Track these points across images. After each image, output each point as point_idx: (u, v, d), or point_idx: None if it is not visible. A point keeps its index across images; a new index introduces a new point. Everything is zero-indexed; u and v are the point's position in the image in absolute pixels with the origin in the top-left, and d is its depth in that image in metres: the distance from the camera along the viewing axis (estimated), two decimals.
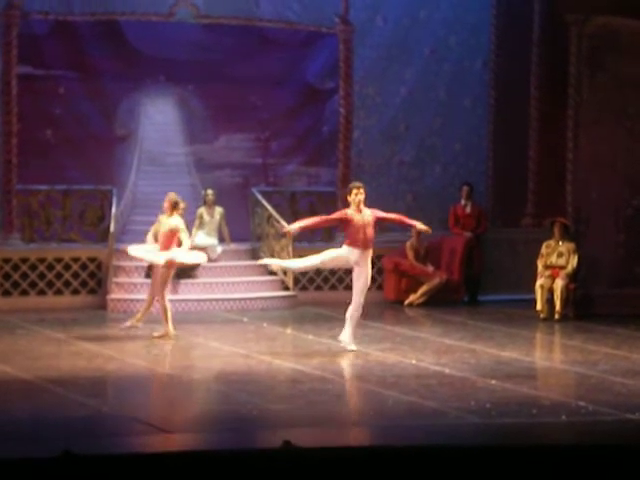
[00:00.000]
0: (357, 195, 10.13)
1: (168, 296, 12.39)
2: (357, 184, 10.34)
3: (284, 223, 13.48)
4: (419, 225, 10.43)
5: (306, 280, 14.14)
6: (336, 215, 10.40)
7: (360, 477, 6.18)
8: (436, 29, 14.56)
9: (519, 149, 14.48)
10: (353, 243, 10.07)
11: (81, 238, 13.77)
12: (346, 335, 10.10)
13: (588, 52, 13.03)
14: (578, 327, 11.80)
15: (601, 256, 12.89)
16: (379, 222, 10.41)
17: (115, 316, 12.61)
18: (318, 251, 14.29)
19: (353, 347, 10.03)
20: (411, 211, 14.63)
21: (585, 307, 12.52)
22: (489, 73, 14.64)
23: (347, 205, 14.53)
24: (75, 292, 13.43)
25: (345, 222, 10.15)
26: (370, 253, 10.16)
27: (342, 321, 11.70)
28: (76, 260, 13.51)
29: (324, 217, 10.65)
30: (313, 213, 14.17)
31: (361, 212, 10.13)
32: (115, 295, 13.11)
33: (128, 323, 11.23)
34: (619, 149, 12.92)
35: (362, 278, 10.06)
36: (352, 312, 10.13)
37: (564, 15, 13.19)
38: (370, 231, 10.09)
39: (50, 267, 13.42)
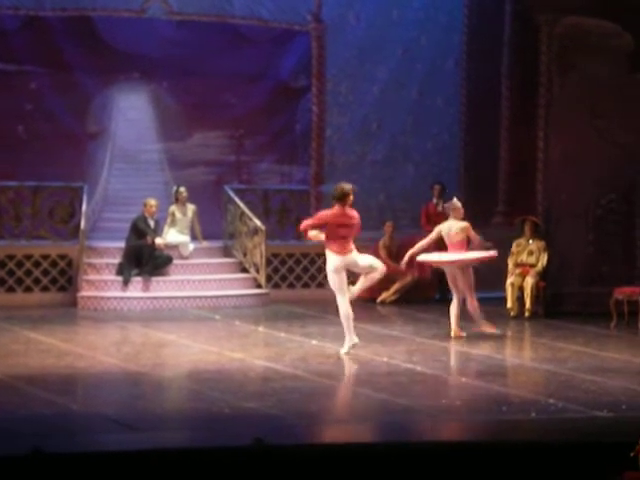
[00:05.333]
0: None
1: (139, 294, 12.34)
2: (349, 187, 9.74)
3: (257, 221, 13.44)
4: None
5: (279, 278, 14.11)
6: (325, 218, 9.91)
7: (332, 474, 6.16)
8: (408, 28, 14.58)
9: (490, 148, 14.53)
10: (338, 250, 9.69)
11: (51, 235, 13.67)
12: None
13: (558, 52, 13.08)
14: (548, 325, 11.85)
15: (571, 255, 12.95)
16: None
17: (85, 314, 12.53)
18: (290, 250, 14.36)
19: (355, 340, 9.88)
20: (383, 210, 14.67)
21: (555, 305, 12.57)
22: (461, 73, 14.68)
23: (319, 201, 14.44)
24: (45, 289, 13.32)
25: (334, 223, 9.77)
26: (354, 251, 9.79)
27: (314, 318, 11.67)
28: (46, 257, 13.40)
29: (320, 222, 10.05)
30: (285, 211, 14.17)
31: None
32: (85, 293, 13.02)
33: (483, 329, 10.92)
34: (589, 149, 12.98)
35: (362, 266, 9.83)
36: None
37: (534, 15, 13.24)
38: (354, 232, 9.86)
39: (19, 264, 13.30)
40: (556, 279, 12.77)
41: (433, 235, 10.97)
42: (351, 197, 9.66)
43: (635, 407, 7.77)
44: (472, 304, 10.86)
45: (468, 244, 10.97)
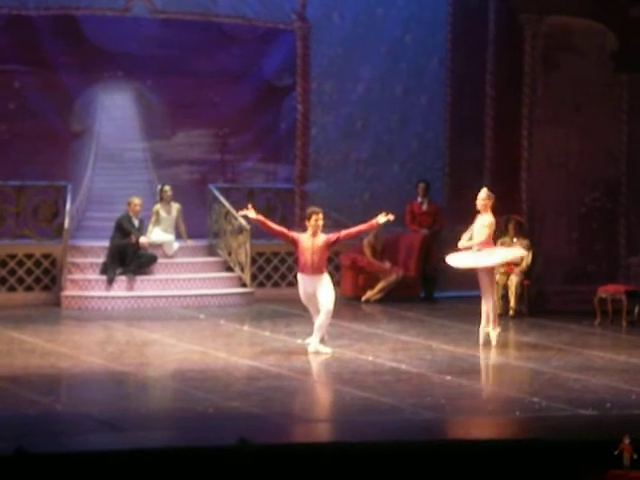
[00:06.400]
0: (317, 221, 9.85)
1: (123, 293, 12.29)
2: (316, 209, 10.00)
3: (242, 219, 13.42)
4: (381, 219, 10.10)
5: (263, 277, 14.10)
6: (290, 235, 10.10)
7: (317, 473, 6.16)
8: (392, 27, 14.58)
9: (475, 147, 14.54)
10: (300, 268, 9.93)
11: (35, 234, 13.62)
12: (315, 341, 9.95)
13: (542, 51, 13.11)
14: (532, 323, 11.88)
15: (555, 253, 12.99)
16: (337, 243, 10.09)
17: (69, 313, 12.49)
18: (275, 249, 14.35)
19: (324, 349, 9.85)
20: (368, 208, 14.66)
21: (539, 303, 12.61)
22: (445, 71, 14.68)
23: (304, 199, 14.43)
24: (29, 289, 13.27)
25: (294, 245, 10.00)
26: (321, 279, 9.80)
27: (299, 317, 11.67)
28: (30, 256, 13.35)
29: (284, 230, 10.27)
30: (270, 210, 14.14)
31: (316, 237, 9.89)
32: (69, 292, 12.97)
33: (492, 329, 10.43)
34: (573, 148, 13.03)
35: (317, 300, 9.85)
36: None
37: (519, 14, 13.26)
38: (317, 257, 9.80)
39: (3, 263, 13.24)
40: (540, 277, 12.82)
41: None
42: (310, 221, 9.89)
43: (619, 405, 7.79)
44: (492, 303, 10.44)
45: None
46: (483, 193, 10.62)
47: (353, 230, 10.24)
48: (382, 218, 10.11)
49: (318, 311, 9.92)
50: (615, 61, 12.91)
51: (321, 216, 9.96)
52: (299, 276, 9.95)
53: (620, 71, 12.94)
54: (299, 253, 9.93)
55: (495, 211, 10.57)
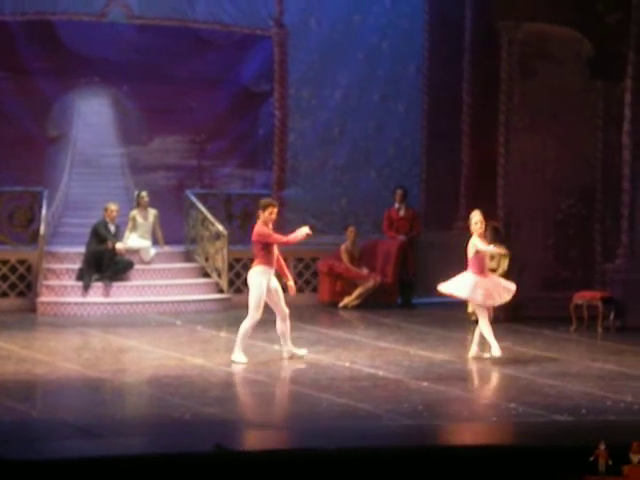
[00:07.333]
0: (272, 214, 9.70)
1: (100, 299, 12.21)
2: (274, 202, 9.94)
3: (219, 225, 13.40)
4: (300, 233, 9.74)
5: (241, 283, 14.08)
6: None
7: None
8: (369, 34, 14.62)
9: (452, 153, 14.59)
10: (268, 262, 9.71)
11: (10, 240, 13.54)
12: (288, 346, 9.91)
13: (519, 58, 13.18)
14: (508, 329, 11.92)
15: (531, 259, 13.05)
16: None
17: (45, 319, 12.42)
18: (252, 255, 14.30)
19: (242, 359, 9.69)
20: (345, 215, 14.70)
21: (515, 309, 12.65)
22: (422, 78, 14.73)
23: (282, 205, 14.34)
24: (4, 295, 13.18)
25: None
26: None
27: (275, 323, 11.68)
28: (5, 262, 13.27)
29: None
30: (247, 215, 14.13)
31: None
32: (45, 298, 12.90)
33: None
34: (549, 155, 13.10)
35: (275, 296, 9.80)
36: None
37: (495, 22, 13.33)
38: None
39: None
40: (516, 284, 12.87)
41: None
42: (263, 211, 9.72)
43: (595, 411, 7.84)
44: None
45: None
46: (477, 216, 10.17)
47: (282, 239, 9.83)
48: (304, 230, 9.76)
49: (279, 309, 9.85)
50: (590, 68, 13.00)
51: (276, 210, 9.81)
52: (268, 270, 9.67)
53: (595, 78, 13.03)
54: (268, 248, 9.71)
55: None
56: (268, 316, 12.38)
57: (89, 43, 13.83)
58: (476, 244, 10.14)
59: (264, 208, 9.81)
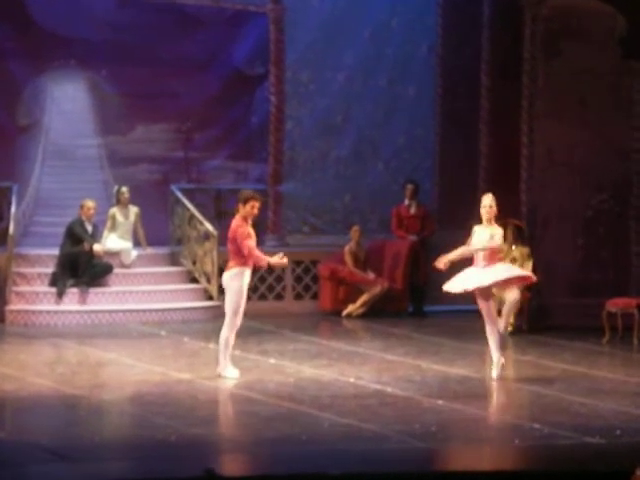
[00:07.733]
0: (254, 209, 9.46)
1: (75, 307, 12.19)
2: (257, 195, 9.61)
3: (208, 225, 13.42)
4: (273, 260, 9.56)
5: None
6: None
7: None
8: (377, 10, 14.67)
9: (469, 143, 14.62)
10: (248, 262, 9.60)
11: None
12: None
13: (543, 36, 13.20)
14: (532, 341, 11.94)
15: (558, 262, 13.06)
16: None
17: (14, 330, 12.47)
18: None
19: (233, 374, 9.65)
20: (349, 212, 14.72)
21: (540, 318, 12.67)
22: (435, 59, 14.78)
23: (279, 202, 14.33)
24: None
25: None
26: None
27: (272, 334, 11.66)
28: None
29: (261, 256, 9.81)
30: None
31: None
32: (14, 306, 12.95)
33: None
34: (577, 144, 13.11)
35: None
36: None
37: None
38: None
39: None
40: (542, 289, 12.88)
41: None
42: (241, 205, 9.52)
43: (630, 432, 7.84)
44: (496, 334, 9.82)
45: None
46: (488, 199, 10.02)
47: (254, 253, 9.57)
48: (280, 261, 9.61)
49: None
50: (624, 47, 13.01)
51: (259, 204, 9.57)
52: (246, 272, 9.60)
53: (629, 58, 13.03)
54: (252, 245, 9.57)
55: (496, 218, 10.21)
56: (262, 326, 12.40)
57: (64, 21, 13.91)
58: (472, 234, 10.00)
59: (245, 201, 9.49)
